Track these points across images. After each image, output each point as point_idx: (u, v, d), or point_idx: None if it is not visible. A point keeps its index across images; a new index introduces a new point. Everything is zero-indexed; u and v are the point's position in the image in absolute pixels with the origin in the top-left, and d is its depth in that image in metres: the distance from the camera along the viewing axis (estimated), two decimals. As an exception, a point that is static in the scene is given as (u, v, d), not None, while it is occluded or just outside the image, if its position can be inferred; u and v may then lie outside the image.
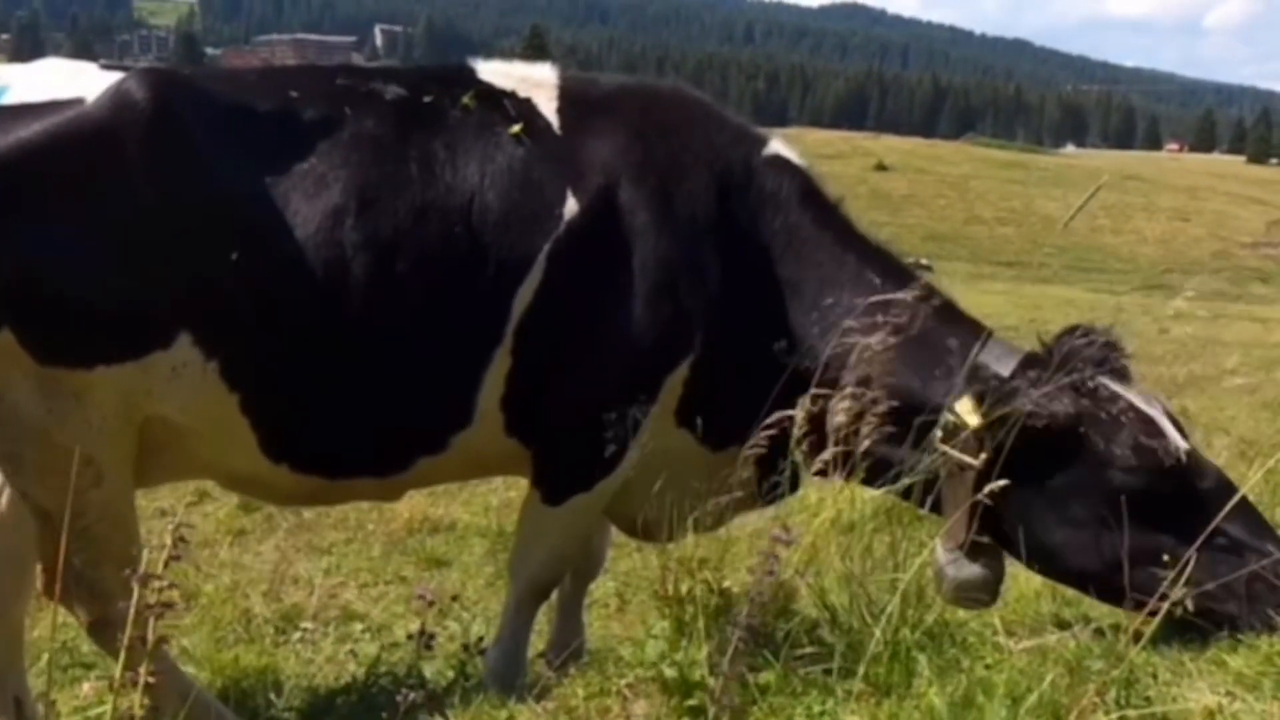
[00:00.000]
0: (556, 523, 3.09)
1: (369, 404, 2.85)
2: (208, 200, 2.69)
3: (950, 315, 3.03)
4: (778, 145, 3.18)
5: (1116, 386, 2.80)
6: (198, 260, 2.67)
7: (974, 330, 3.01)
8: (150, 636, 1.69)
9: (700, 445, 3.05)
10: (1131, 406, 2.77)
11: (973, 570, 2.85)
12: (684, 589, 2.59)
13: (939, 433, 2.80)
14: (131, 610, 1.71)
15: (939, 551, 2.87)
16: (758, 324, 3.00)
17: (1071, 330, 2.92)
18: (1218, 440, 5.69)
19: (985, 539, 2.88)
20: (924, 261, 3.19)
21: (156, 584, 1.67)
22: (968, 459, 2.76)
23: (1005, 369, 2.85)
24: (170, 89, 2.74)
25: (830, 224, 3.10)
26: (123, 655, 1.67)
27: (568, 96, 3.05)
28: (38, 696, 3.18)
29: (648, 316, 2.89)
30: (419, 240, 2.79)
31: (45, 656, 3.47)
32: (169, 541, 1.72)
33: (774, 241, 3.03)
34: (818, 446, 2.82)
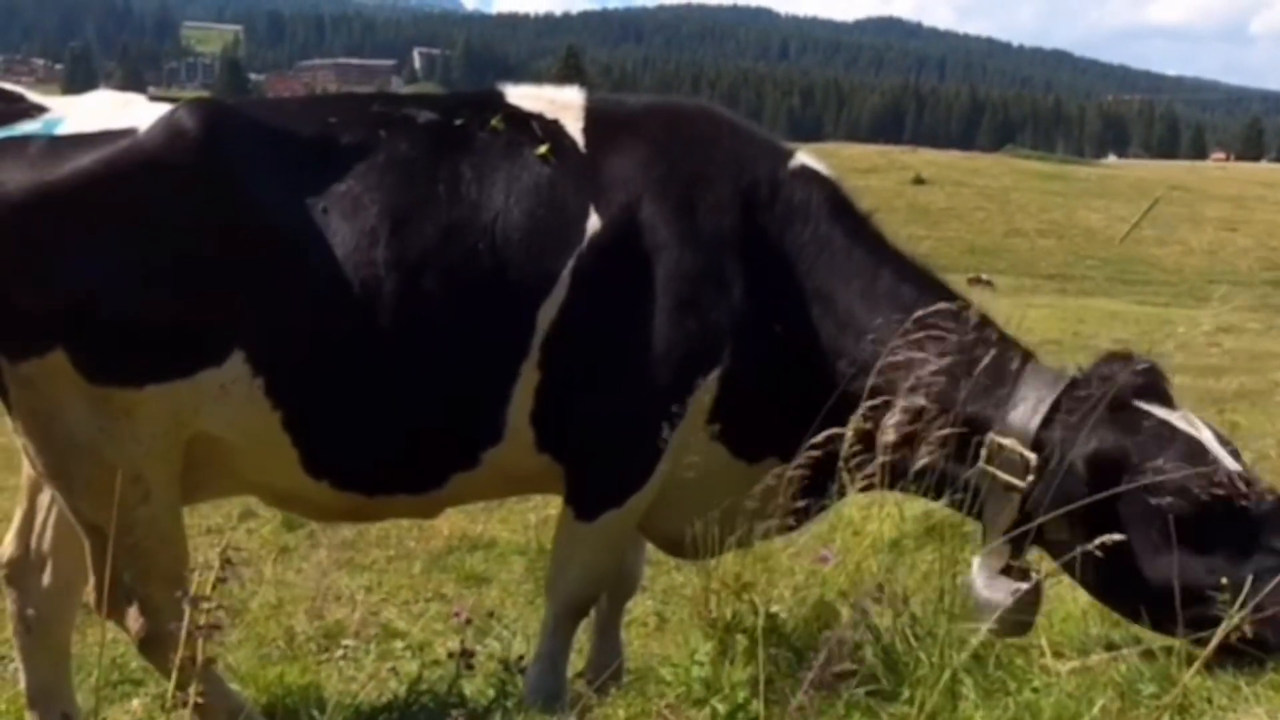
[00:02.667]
0: (590, 539, 3.09)
1: (404, 420, 2.90)
2: (254, 223, 2.77)
3: (995, 333, 3.01)
4: (805, 158, 3.18)
5: (1159, 411, 2.76)
6: (246, 281, 2.74)
7: (1016, 348, 2.99)
8: (199, 656, 1.71)
9: (736, 459, 3.04)
10: (1175, 430, 2.73)
11: (1007, 594, 2.78)
12: (728, 611, 2.57)
13: (984, 452, 2.78)
14: (183, 631, 1.73)
15: (974, 574, 2.82)
16: (788, 336, 3.00)
17: (1111, 356, 2.90)
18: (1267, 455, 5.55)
19: (1022, 562, 2.84)
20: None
21: (206, 605, 1.69)
22: (1014, 480, 2.73)
23: (1048, 396, 2.82)
24: (219, 119, 2.84)
25: (861, 235, 3.09)
26: (174, 675, 1.69)
27: (593, 116, 3.10)
28: (87, 713, 3.23)
29: (673, 330, 2.90)
30: (449, 258, 2.85)
31: (94, 673, 3.53)
32: (217, 563, 1.75)
33: (803, 253, 3.03)
34: (867, 463, 2.80)
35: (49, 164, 2.69)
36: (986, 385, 2.85)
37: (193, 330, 2.72)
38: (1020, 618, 2.79)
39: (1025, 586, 2.77)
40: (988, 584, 2.78)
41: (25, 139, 2.73)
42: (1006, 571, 2.78)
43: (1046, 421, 2.77)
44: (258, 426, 2.81)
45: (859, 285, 3.00)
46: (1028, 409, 2.81)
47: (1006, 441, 2.76)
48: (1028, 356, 2.97)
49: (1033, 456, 2.72)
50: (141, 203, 2.71)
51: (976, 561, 2.83)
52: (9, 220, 2.64)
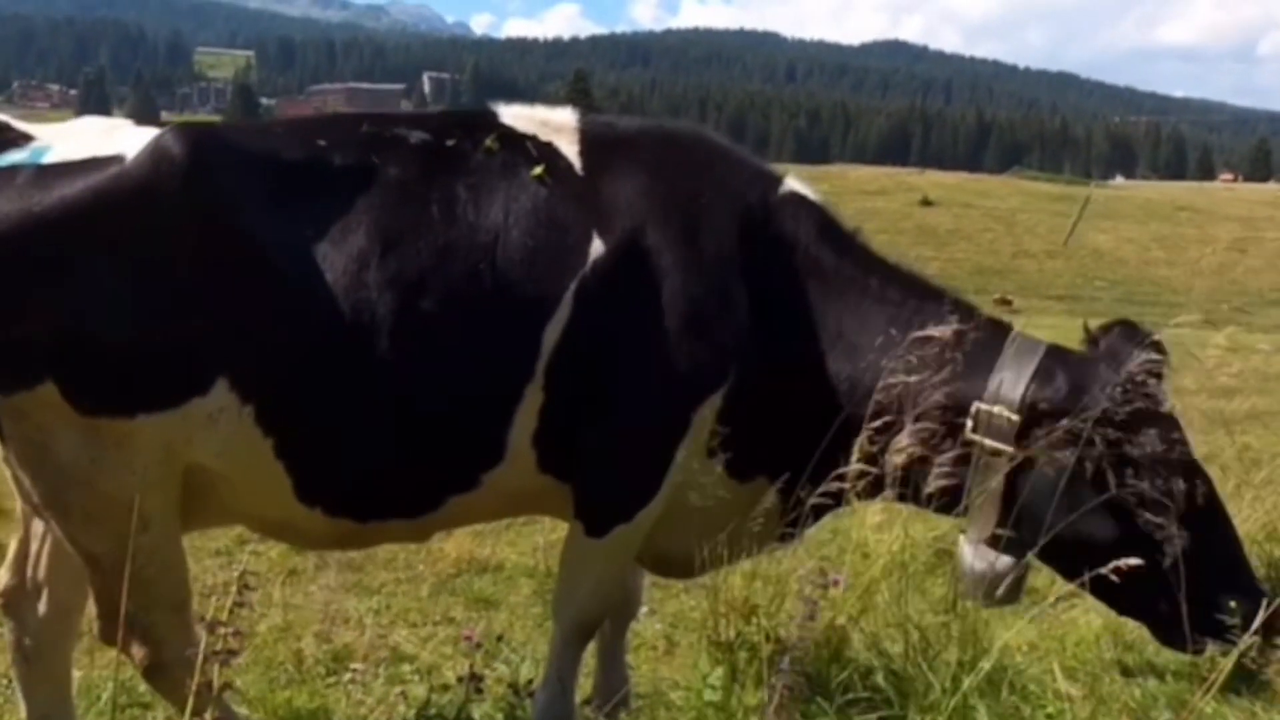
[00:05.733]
0: (600, 556, 3.09)
1: (400, 445, 2.87)
2: (241, 250, 2.73)
3: (981, 319, 3.07)
4: (794, 183, 3.23)
5: (1159, 387, 2.84)
6: (232, 308, 2.70)
7: (999, 326, 3.08)
8: (215, 682, 1.71)
9: (729, 477, 3.06)
10: (1170, 408, 2.83)
11: (998, 565, 2.81)
12: (735, 634, 2.56)
13: (970, 423, 2.84)
14: (200, 656, 1.72)
15: (963, 548, 2.86)
16: (783, 357, 3.03)
17: (1117, 326, 2.98)
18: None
19: (1006, 532, 2.86)
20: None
21: (222, 630, 1.69)
22: (1001, 445, 2.79)
23: (1030, 363, 2.90)
24: (205, 144, 2.79)
25: (847, 254, 3.14)
26: (191, 701, 1.69)
27: (588, 139, 3.11)
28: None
29: (680, 349, 2.92)
30: (445, 281, 2.82)
31: (104, 696, 3.53)
32: (234, 587, 1.75)
33: (795, 276, 3.08)
34: (874, 486, 2.82)
35: (35, 194, 2.63)
36: (970, 366, 2.93)
37: (181, 360, 2.67)
38: (1007, 590, 2.80)
39: (1009, 559, 2.79)
40: (975, 555, 2.81)
41: (12, 169, 2.68)
42: (994, 544, 2.81)
43: (1028, 387, 2.86)
44: (248, 455, 2.76)
45: (848, 303, 3.06)
46: (1012, 376, 2.89)
47: (994, 409, 2.83)
48: (1008, 331, 3.06)
49: (1017, 419, 2.79)
50: (128, 231, 2.67)
51: (963, 537, 2.86)
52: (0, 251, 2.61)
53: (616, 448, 2.95)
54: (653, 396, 2.93)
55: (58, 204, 2.63)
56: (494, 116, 3.14)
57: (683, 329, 2.92)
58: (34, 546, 3.10)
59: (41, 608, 3.09)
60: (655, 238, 2.96)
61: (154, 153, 2.71)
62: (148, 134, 2.79)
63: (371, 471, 2.89)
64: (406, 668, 4.11)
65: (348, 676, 3.93)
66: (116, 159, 2.70)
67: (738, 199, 3.10)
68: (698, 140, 3.31)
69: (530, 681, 3.47)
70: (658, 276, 2.93)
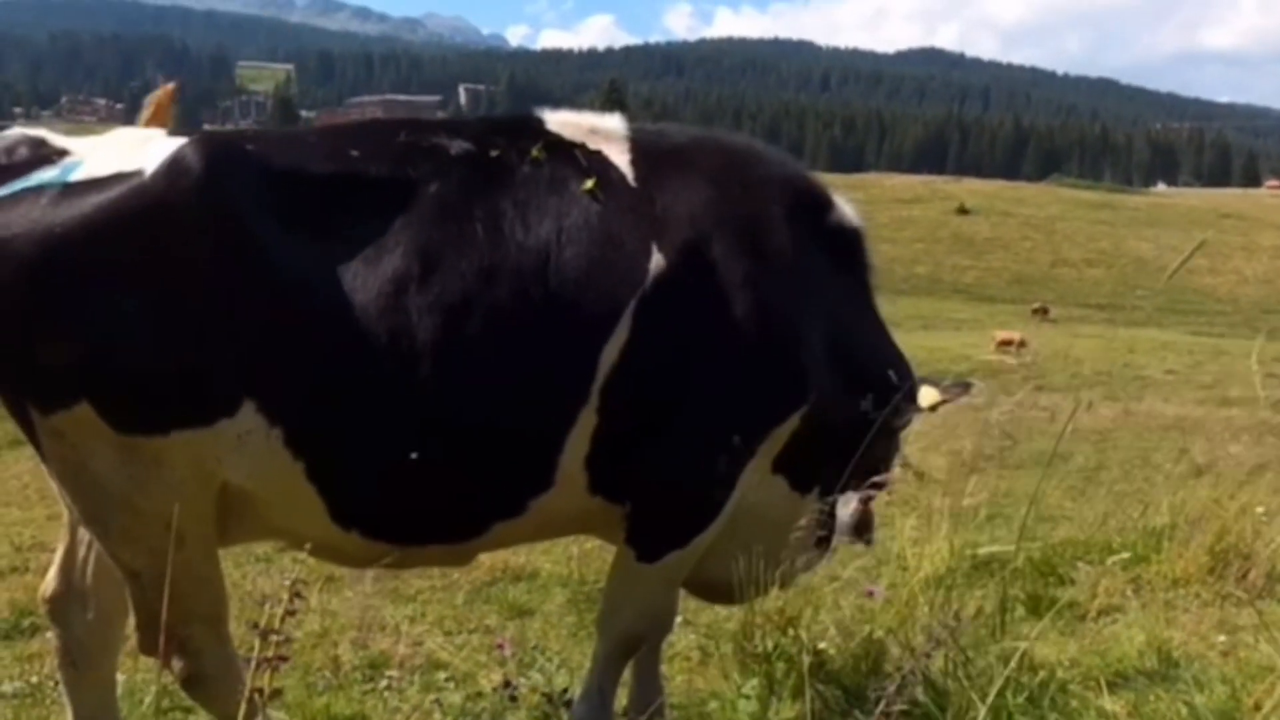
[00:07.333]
0: (650, 580, 3.04)
1: (442, 470, 2.75)
2: (263, 268, 2.64)
3: None
4: (844, 204, 3.23)
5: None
6: (254, 330, 2.63)
7: None
8: (266, 689, 1.73)
9: (792, 492, 3.07)
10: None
11: (850, 514, 3.12)
12: (771, 645, 2.54)
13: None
14: (253, 663, 1.74)
15: (846, 509, 3.11)
16: (842, 375, 3.04)
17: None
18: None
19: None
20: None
21: (273, 637, 1.71)
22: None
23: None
24: (224, 156, 2.70)
25: (874, 284, 3.30)
26: (243, 707, 1.71)
27: (640, 149, 3.00)
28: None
29: (757, 370, 2.86)
30: (490, 301, 2.69)
31: (147, 700, 3.58)
32: (286, 595, 1.77)
33: (848, 299, 3.13)
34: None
35: (59, 213, 2.59)
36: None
37: (205, 380, 2.62)
38: (859, 533, 3.12)
39: (859, 507, 3.10)
40: (843, 508, 3.09)
41: (40, 188, 2.65)
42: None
43: None
44: (278, 477, 2.70)
45: (877, 328, 3.25)
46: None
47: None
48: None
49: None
50: (145, 248, 2.61)
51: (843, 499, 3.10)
52: (25, 273, 2.58)
53: (678, 471, 2.86)
54: (723, 418, 2.85)
55: (78, 223, 2.59)
56: (540, 123, 3.02)
57: (760, 348, 2.85)
58: (80, 553, 3.13)
59: (89, 613, 3.12)
60: (723, 252, 2.87)
61: (171, 167, 2.64)
62: (177, 145, 2.71)
63: (411, 498, 2.79)
64: (442, 675, 4.13)
65: (384, 683, 3.96)
66: (137, 174, 2.63)
67: (799, 215, 3.06)
68: (757, 154, 3.25)
69: (565, 690, 3.47)
70: (727, 292, 2.84)
